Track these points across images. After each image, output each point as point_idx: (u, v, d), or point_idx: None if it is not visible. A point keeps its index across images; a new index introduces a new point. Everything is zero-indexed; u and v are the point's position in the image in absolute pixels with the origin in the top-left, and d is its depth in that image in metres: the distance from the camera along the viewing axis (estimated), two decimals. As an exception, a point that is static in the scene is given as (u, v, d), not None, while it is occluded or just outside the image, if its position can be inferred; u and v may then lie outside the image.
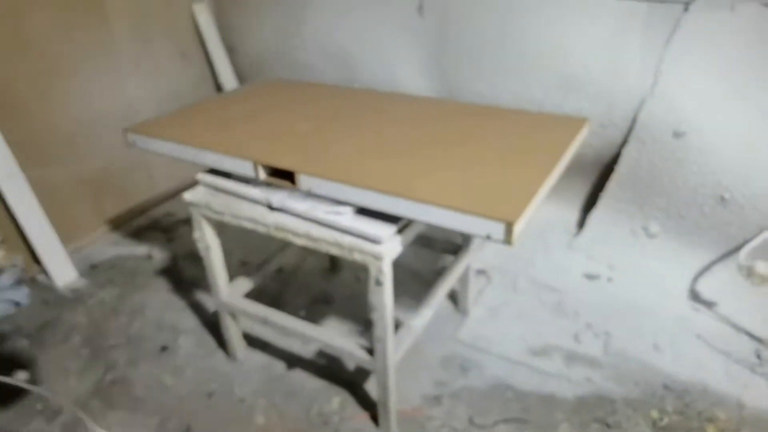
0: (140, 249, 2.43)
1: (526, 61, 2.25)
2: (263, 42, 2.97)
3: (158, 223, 2.64)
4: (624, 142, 2.13)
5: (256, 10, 2.92)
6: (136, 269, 2.28)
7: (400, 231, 1.22)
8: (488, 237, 1.02)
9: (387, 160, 1.26)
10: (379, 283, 1.20)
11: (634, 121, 2.07)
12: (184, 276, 2.22)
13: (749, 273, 1.82)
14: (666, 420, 1.50)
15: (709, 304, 1.89)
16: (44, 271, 2.18)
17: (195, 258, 2.33)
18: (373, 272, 1.19)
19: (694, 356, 1.71)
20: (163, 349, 1.84)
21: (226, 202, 1.37)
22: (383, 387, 1.39)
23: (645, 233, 2.15)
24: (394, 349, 1.35)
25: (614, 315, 1.89)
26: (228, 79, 3.05)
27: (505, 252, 2.23)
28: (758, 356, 1.69)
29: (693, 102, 1.95)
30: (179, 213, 2.71)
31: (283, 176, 1.27)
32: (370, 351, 1.37)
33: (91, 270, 2.28)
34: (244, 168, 1.31)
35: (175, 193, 2.89)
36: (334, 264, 2.19)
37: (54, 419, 1.58)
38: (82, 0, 2.32)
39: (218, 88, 3.08)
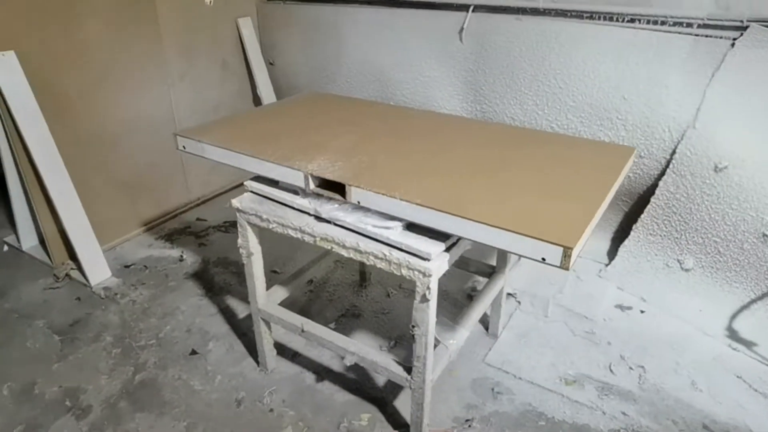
0: (172, 252, 2.46)
1: (563, 88, 2.26)
2: (303, 58, 3.04)
3: (190, 228, 2.68)
4: (661, 174, 2.12)
5: (298, 27, 3.00)
6: (168, 271, 2.31)
7: (447, 249, 1.22)
8: (543, 260, 1.01)
9: (435, 177, 1.26)
10: (424, 299, 1.20)
11: (673, 153, 2.06)
12: (215, 281, 2.24)
13: (791, 314, 1.78)
14: (706, 461, 1.45)
15: (748, 344, 1.85)
16: (79, 268, 2.22)
17: (225, 264, 2.35)
18: (419, 288, 1.19)
19: (734, 396, 1.66)
20: (193, 353, 1.84)
21: (273, 210, 1.39)
22: (418, 405, 1.38)
23: (680, 267, 2.12)
24: (432, 367, 1.34)
25: (648, 348, 1.85)
26: (267, 91, 3.11)
27: (534, 277, 2.21)
28: (800, 401, 1.64)
29: (736, 137, 1.93)
30: (211, 219, 2.75)
31: (333, 188, 1.29)
32: (407, 368, 1.36)
33: (123, 270, 2.32)
34: (295, 178, 1.33)
35: (209, 199, 2.94)
36: (363, 278, 2.19)
37: (83, 418, 1.59)
38: (137, 13, 2.41)
39: (256, 100, 3.15)
